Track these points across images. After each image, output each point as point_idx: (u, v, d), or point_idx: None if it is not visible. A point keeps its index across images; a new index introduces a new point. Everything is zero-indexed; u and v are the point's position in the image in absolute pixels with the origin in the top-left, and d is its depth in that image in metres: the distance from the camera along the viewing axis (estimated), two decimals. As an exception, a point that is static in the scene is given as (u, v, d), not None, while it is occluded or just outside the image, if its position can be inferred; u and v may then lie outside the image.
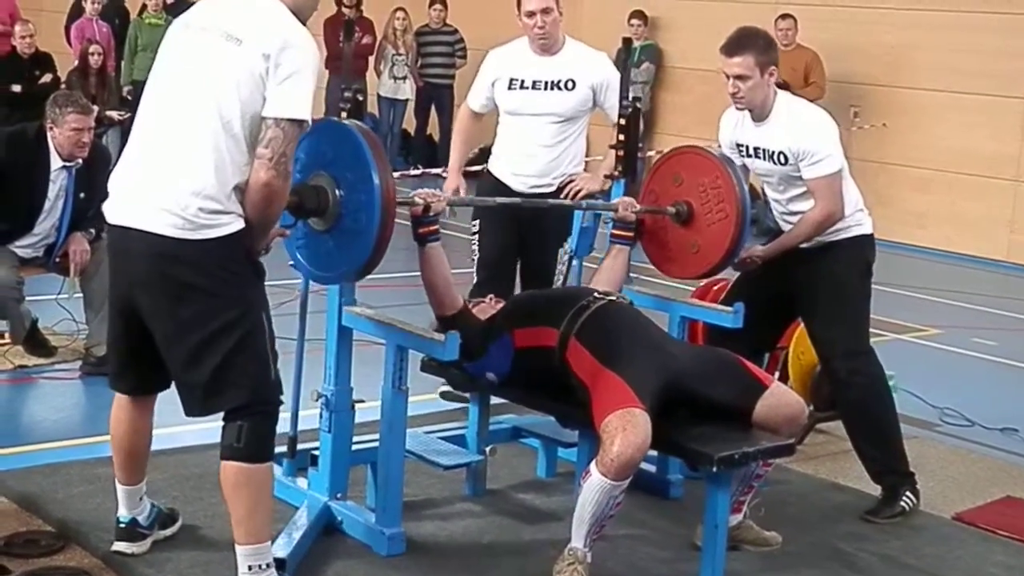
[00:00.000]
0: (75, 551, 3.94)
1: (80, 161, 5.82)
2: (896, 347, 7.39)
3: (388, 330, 4.00)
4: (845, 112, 11.17)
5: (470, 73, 5.67)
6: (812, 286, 4.70)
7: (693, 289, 5.63)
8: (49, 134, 5.78)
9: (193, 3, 3.71)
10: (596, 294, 4.22)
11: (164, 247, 3.42)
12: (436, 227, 4.15)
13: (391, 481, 4.06)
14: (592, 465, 3.72)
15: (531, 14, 5.23)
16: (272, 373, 3.55)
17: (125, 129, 9.82)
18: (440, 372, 4.55)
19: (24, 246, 5.89)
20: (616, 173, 4.93)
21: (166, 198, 3.41)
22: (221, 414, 3.54)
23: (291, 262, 4.02)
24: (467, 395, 4.94)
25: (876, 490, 4.77)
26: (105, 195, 3.61)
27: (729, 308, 4.55)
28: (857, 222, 4.74)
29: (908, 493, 4.71)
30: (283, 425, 4.10)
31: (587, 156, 5.68)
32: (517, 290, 5.37)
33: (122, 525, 3.88)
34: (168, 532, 4.01)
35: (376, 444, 4.13)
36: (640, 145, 5.05)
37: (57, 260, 5.96)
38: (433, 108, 13.57)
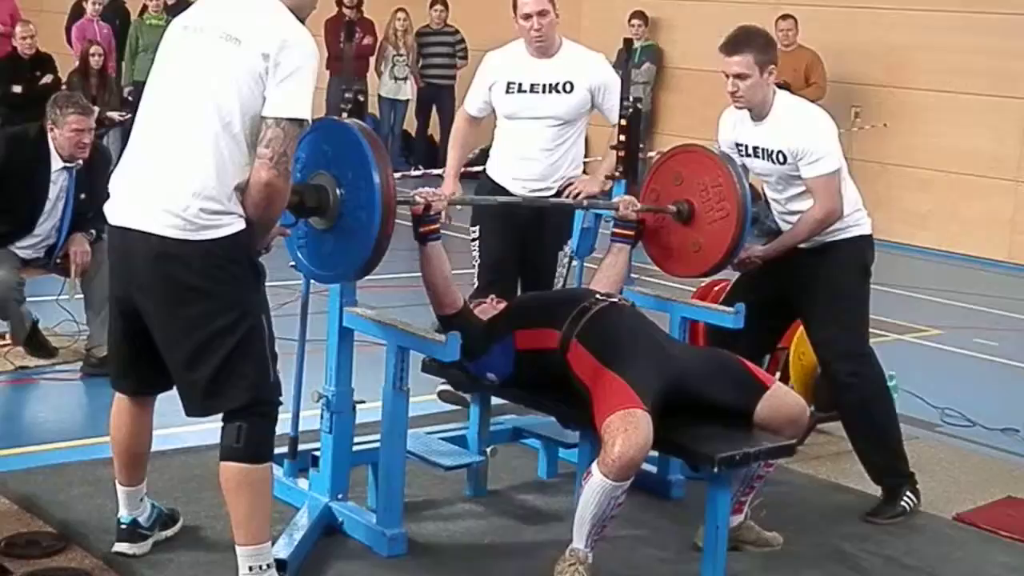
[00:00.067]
0: (76, 552, 3.94)
1: (81, 162, 5.83)
2: (897, 347, 7.39)
3: (389, 331, 4.00)
4: (846, 112, 11.18)
5: (471, 74, 5.65)
6: (810, 288, 4.70)
7: (694, 290, 5.63)
8: (50, 135, 5.78)
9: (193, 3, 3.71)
10: (598, 296, 4.23)
11: (165, 248, 3.43)
12: (437, 226, 4.15)
13: (392, 482, 4.06)
14: (593, 466, 3.72)
15: (527, 17, 5.18)
16: (272, 374, 3.55)
17: (126, 130, 9.82)
18: (441, 373, 4.56)
19: (25, 247, 5.89)
20: (617, 173, 4.92)
21: (167, 199, 3.42)
22: (221, 415, 3.55)
23: (292, 263, 4.02)
24: (465, 396, 4.94)
25: (877, 491, 4.77)
26: (106, 196, 3.61)
27: (730, 309, 4.55)
28: (856, 222, 4.74)
29: (909, 493, 4.71)
30: (284, 426, 4.11)
31: (586, 157, 5.67)
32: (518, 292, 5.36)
33: (123, 526, 3.88)
34: (169, 533, 4.01)
35: (377, 445, 4.13)
36: (641, 146, 5.04)
37: (58, 261, 5.96)
38: (434, 109, 13.56)
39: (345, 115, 4.29)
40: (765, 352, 5.09)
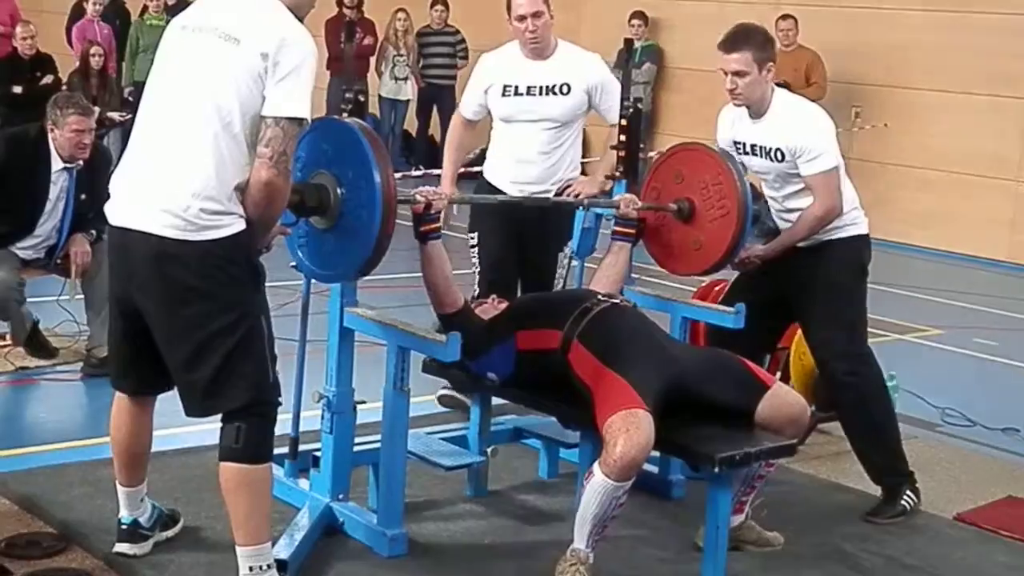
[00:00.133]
0: (77, 552, 3.94)
1: (81, 163, 5.83)
2: (897, 347, 7.39)
3: (390, 331, 4.00)
4: (846, 112, 11.18)
5: (471, 74, 5.63)
6: (809, 287, 4.70)
7: (694, 290, 5.63)
8: (50, 136, 5.78)
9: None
10: (600, 297, 4.23)
11: (164, 248, 3.43)
12: (438, 225, 4.16)
13: (393, 482, 4.06)
14: (595, 466, 3.73)
15: (522, 18, 5.13)
16: (271, 375, 3.55)
17: (126, 130, 9.82)
18: (441, 373, 4.56)
19: (25, 248, 5.89)
20: (617, 173, 4.92)
21: (167, 199, 3.42)
22: (221, 415, 3.55)
23: (292, 263, 4.02)
24: (465, 400, 4.94)
25: (877, 491, 4.77)
26: (106, 196, 3.61)
27: (730, 309, 4.55)
28: (853, 221, 4.74)
29: (908, 492, 4.71)
30: (285, 426, 4.12)
31: (586, 157, 5.67)
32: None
33: (124, 526, 3.88)
34: (170, 533, 4.01)
35: (378, 445, 4.13)
36: (641, 146, 5.04)
37: (58, 262, 5.96)
38: (435, 109, 13.56)
39: (345, 115, 4.29)
40: (765, 352, 5.09)
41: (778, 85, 4.72)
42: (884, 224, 10.59)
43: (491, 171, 5.41)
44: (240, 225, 3.46)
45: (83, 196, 5.84)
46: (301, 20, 3.52)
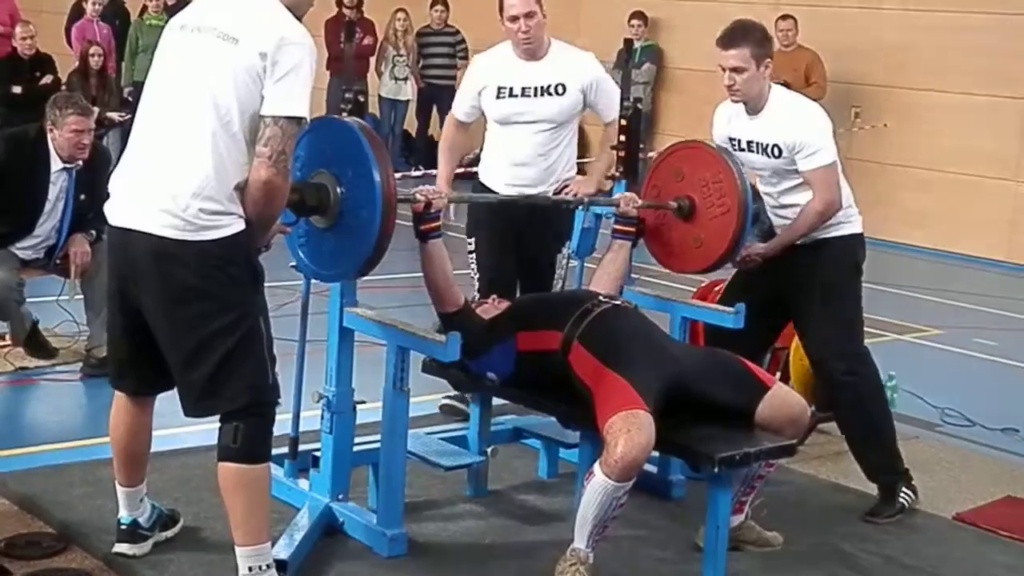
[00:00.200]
0: (76, 553, 3.94)
1: (80, 163, 5.82)
2: (896, 347, 7.39)
3: (389, 331, 4.00)
4: (846, 112, 11.19)
5: (470, 74, 5.61)
6: (805, 288, 4.70)
7: (694, 290, 5.63)
8: (49, 136, 5.77)
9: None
10: (600, 298, 4.23)
11: (164, 248, 3.43)
12: (438, 224, 4.16)
13: (392, 482, 4.06)
14: (596, 466, 3.72)
15: (514, 19, 5.08)
16: (270, 376, 3.55)
17: (126, 130, 9.79)
18: (441, 373, 4.55)
19: (25, 248, 5.89)
20: (617, 173, 4.91)
21: (166, 199, 3.42)
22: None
23: (292, 263, 4.02)
24: (466, 409, 4.93)
25: (877, 491, 4.77)
26: (105, 196, 3.61)
27: (730, 309, 4.55)
28: (848, 219, 4.75)
29: (905, 490, 4.72)
30: (284, 426, 4.12)
31: (585, 157, 5.66)
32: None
33: (123, 526, 3.88)
34: (169, 533, 4.01)
35: (377, 445, 4.13)
36: (641, 146, 5.04)
37: (58, 262, 5.96)
38: (435, 109, 13.56)
39: (345, 115, 4.30)
40: (764, 351, 5.09)
41: (779, 85, 4.72)
42: (884, 224, 10.63)
43: (486, 173, 5.35)
44: (240, 225, 3.46)
45: (82, 196, 5.84)
46: (300, 19, 3.52)
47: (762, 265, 4.77)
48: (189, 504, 4.23)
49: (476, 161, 5.48)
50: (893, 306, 8.34)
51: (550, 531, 4.31)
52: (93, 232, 5.83)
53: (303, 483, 4.33)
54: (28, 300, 5.94)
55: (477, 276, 5.32)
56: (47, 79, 10.63)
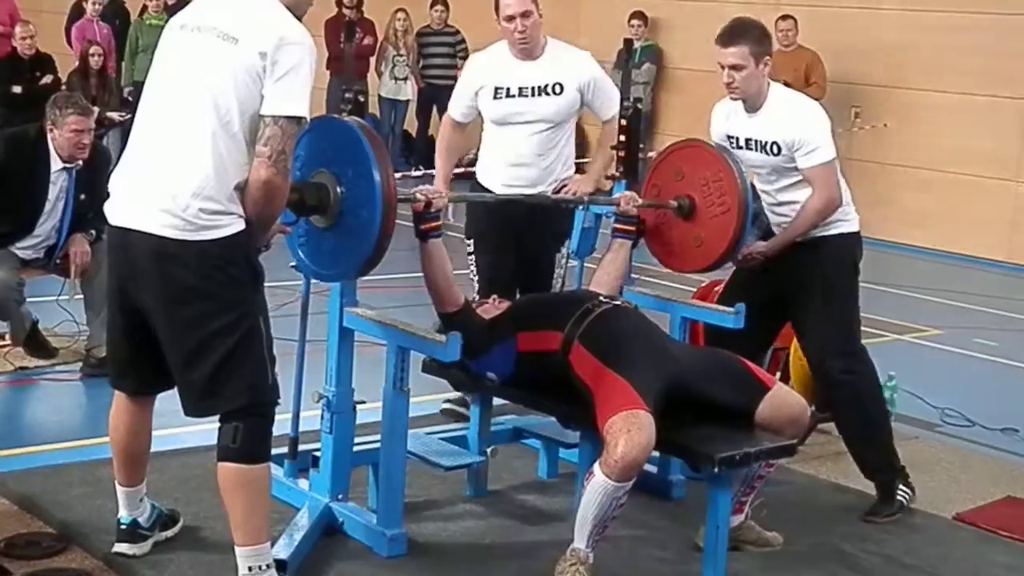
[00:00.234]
0: (76, 552, 3.94)
1: (80, 162, 5.82)
2: (896, 347, 7.39)
3: (389, 331, 4.00)
4: (846, 112, 11.18)
5: (471, 74, 5.60)
6: (807, 287, 4.71)
7: (694, 290, 5.63)
8: (49, 136, 5.77)
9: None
10: (601, 298, 4.23)
11: (164, 248, 3.43)
12: (438, 223, 4.16)
13: (392, 482, 4.05)
14: (596, 466, 3.72)
15: (510, 19, 5.05)
16: (269, 376, 3.55)
17: (126, 130, 9.79)
18: (441, 373, 4.55)
19: (25, 248, 5.89)
20: (617, 173, 4.91)
21: (166, 199, 3.42)
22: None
23: (292, 263, 4.02)
24: (467, 413, 4.92)
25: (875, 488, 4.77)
26: (105, 196, 3.61)
27: (730, 309, 4.55)
28: (846, 217, 4.75)
29: (903, 487, 4.72)
30: (284, 426, 4.12)
31: (585, 156, 5.65)
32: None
33: (123, 526, 3.88)
34: (169, 533, 4.01)
35: (377, 445, 4.12)
36: (641, 146, 5.04)
37: (58, 262, 5.96)
38: (435, 109, 13.55)
39: (345, 115, 4.29)
40: (764, 351, 5.09)
41: (777, 83, 4.72)
42: (884, 224, 10.63)
43: (484, 174, 5.33)
44: (239, 225, 3.46)
45: (82, 196, 5.84)
46: (300, 19, 3.51)
47: (763, 264, 4.77)
48: (189, 504, 4.23)
49: (475, 162, 5.47)
50: (893, 306, 8.34)
51: (550, 531, 4.31)
52: (93, 232, 5.83)
53: (303, 483, 4.33)
54: (28, 300, 5.94)
55: (476, 277, 5.31)
56: (47, 79, 10.62)
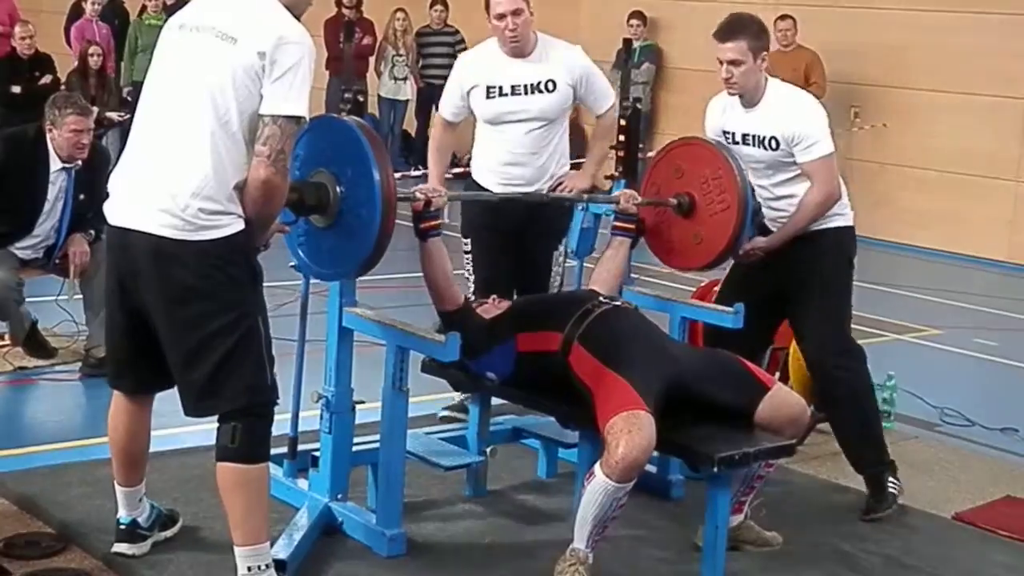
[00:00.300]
0: (75, 552, 3.94)
1: (80, 162, 5.82)
2: (896, 347, 7.39)
3: (389, 331, 4.00)
4: (846, 112, 11.18)
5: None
6: (807, 284, 4.71)
7: (693, 290, 5.63)
8: (48, 136, 5.77)
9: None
10: (601, 299, 4.23)
11: (163, 248, 3.43)
12: (438, 222, 4.16)
13: (392, 482, 4.05)
14: (596, 467, 3.72)
15: (501, 16, 5.02)
16: (269, 376, 3.55)
17: (125, 130, 9.82)
18: (441, 373, 4.54)
19: (24, 248, 5.89)
20: (617, 173, 4.91)
21: (165, 199, 3.41)
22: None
23: (292, 263, 4.02)
24: (466, 419, 4.92)
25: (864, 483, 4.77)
26: (105, 196, 3.61)
27: (730, 309, 4.55)
28: (842, 211, 4.76)
29: (892, 479, 4.73)
30: (284, 426, 4.12)
31: (584, 156, 5.64)
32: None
33: (122, 526, 3.88)
34: (168, 533, 4.00)
35: (377, 445, 4.12)
36: (641, 146, 5.04)
37: (57, 262, 5.96)
38: (434, 109, 13.52)
39: (344, 115, 4.29)
40: (762, 349, 5.09)
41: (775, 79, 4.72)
42: (884, 224, 10.63)
43: (479, 173, 5.30)
44: (239, 225, 3.46)
45: (82, 196, 5.84)
46: (298, 19, 3.51)
47: (763, 259, 4.77)
48: (188, 504, 4.23)
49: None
50: (893, 306, 8.35)
51: (549, 531, 4.31)
52: (92, 232, 5.83)
53: (302, 483, 4.33)
54: (27, 300, 5.94)
55: (472, 276, 5.30)
56: (46, 79, 10.61)
